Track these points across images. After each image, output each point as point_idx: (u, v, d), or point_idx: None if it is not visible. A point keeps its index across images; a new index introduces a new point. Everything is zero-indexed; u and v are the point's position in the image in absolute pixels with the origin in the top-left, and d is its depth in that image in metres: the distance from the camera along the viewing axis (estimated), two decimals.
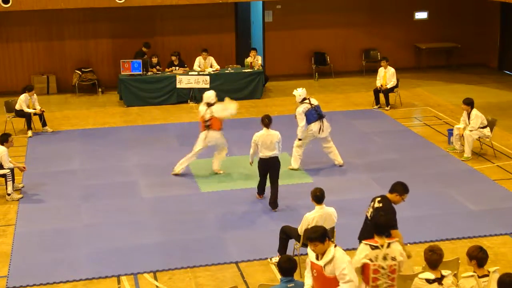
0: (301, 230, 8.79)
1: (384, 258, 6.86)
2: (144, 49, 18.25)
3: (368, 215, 8.02)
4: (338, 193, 11.32)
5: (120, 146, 14.29)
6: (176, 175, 12.49)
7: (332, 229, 8.83)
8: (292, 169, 12.60)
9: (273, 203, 10.97)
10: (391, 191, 8.05)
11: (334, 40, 20.37)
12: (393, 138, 14.64)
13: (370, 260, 6.84)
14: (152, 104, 17.37)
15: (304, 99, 12.52)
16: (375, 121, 15.85)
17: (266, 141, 10.72)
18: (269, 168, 10.87)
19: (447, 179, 12.23)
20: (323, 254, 6.57)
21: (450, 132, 13.90)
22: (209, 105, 12.33)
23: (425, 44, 20.81)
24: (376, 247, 6.87)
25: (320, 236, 6.58)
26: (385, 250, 6.87)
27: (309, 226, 8.62)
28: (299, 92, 12.61)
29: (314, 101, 12.61)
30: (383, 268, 6.85)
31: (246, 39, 20.61)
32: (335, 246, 6.63)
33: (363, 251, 6.89)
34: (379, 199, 8.00)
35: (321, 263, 6.55)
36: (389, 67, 16.83)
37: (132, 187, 12.06)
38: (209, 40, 19.23)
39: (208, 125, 12.31)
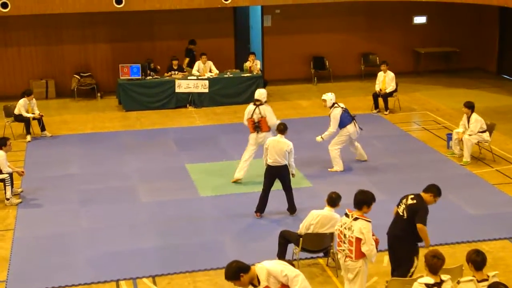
0: (303, 226, 8.81)
1: (348, 228, 7.64)
2: (190, 46, 18.43)
3: (400, 211, 8.11)
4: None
5: (119, 150, 14.28)
6: (236, 181, 12.24)
7: (331, 234, 8.84)
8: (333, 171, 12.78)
9: (291, 208, 10.89)
10: (426, 191, 8.23)
11: (333, 44, 20.40)
12: (392, 142, 14.65)
13: (340, 225, 7.78)
14: (151, 108, 17.37)
15: (334, 103, 12.73)
16: (374, 126, 15.85)
17: (276, 147, 10.60)
18: (276, 176, 10.75)
19: (446, 183, 12.15)
20: (255, 279, 6.12)
21: (449, 137, 13.91)
22: (259, 104, 12.08)
23: (424, 49, 20.84)
24: (347, 215, 7.73)
25: (233, 275, 6.02)
26: (350, 221, 7.63)
27: (312, 223, 8.69)
28: (330, 97, 12.81)
29: (342, 105, 12.86)
30: (345, 236, 7.68)
31: (245, 44, 20.63)
32: (255, 265, 6.25)
33: (342, 217, 7.87)
34: (412, 196, 8.16)
35: (263, 284, 6.13)
36: (388, 72, 16.85)
37: (131, 191, 12.05)
38: (208, 44, 19.26)
39: (257, 126, 12.15)
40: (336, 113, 12.71)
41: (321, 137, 12.77)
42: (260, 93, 12.31)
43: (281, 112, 16.64)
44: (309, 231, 8.76)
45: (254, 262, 9.32)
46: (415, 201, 8.11)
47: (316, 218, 8.65)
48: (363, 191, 7.79)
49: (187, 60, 18.65)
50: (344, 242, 7.67)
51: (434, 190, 8.20)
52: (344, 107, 12.87)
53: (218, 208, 11.27)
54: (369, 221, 7.66)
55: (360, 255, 7.64)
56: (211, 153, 14.00)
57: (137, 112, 17.19)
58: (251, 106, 12.26)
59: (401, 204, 8.23)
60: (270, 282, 6.09)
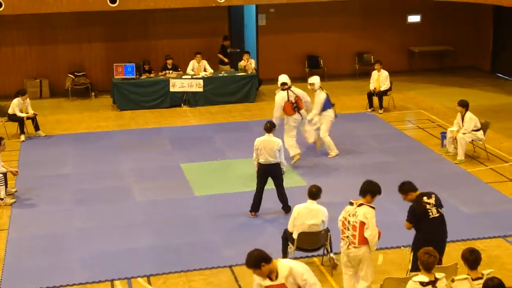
0: (290, 223, 8.85)
1: (353, 215, 7.81)
2: (224, 42, 18.65)
3: (435, 212, 7.99)
4: (331, 195, 11.30)
5: (113, 150, 14.26)
6: (296, 160, 12.84)
7: (326, 233, 8.85)
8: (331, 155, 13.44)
9: (285, 207, 10.91)
10: (428, 194, 8.14)
11: (327, 43, 20.41)
12: (387, 141, 14.66)
13: (345, 212, 7.93)
14: (145, 108, 17.34)
15: (320, 87, 13.37)
16: (369, 124, 15.87)
17: (266, 147, 10.61)
18: (269, 175, 10.77)
19: (440, 182, 12.24)
20: (274, 273, 6.08)
21: (443, 135, 13.92)
22: (287, 88, 12.80)
23: (418, 47, 20.86)
24: (352, 204, 7.91)
25: (255, 263, 5.99)
26: (355, 207, 7.82)
27: (294, 216, 8.73)
28: (318, 80, 13.46)
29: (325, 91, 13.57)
30: (349, 222, 7.82)
31: (239, 43, 20.61)
32: (278, 260, 6.25)
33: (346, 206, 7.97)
34: (426, 195, 8.07)
35: (281, 281, 6.07)
36: (382, 70, 16.86)
37: (126, 191, 12.04)
38: (202, 43, 19.24)
39: (296, 106, 12.80)
40: (322, 97, 13.31)
41: (311, 117, 13.30)
42: (285, 77, 13.00)
43: None
44: (297, 226, 8.77)
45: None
46: (434, 196, 8.08)
47: (296, 215, 8.74)
48: (370, 181, 8.01)
49: (221, 56, 18.74)
50: (348, 229, 7.82)
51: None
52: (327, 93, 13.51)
53: (213, 208, 11.26)
54: (373, 207, 7.84)
55: (363, 241, 7.75)
56: (205, 152, 13.99)
57: (132, 111, 17.16)
58: (282, 92, 12.84)
59: (429, 206, 8.02)
60: (288, 281, 6.08)
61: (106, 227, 10.61)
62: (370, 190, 7.91)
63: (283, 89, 12.84)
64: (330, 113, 13.45)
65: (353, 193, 11.53)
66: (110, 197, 11.76)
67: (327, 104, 13.47)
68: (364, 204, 7.84)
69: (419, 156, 13.69)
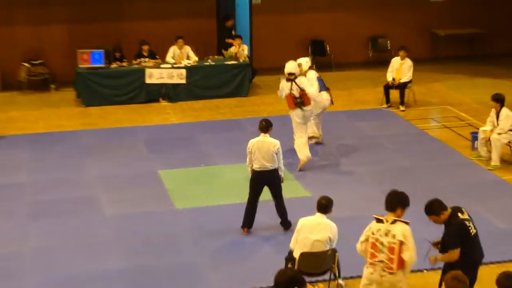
0: (293, 239, 8.81)
1: (386, 234, 7.63)
2: (227, 23, 18.78)
3: (472, 228, 7.98)
4: (340, 210, 11.27)
5: (77, 153, 14.23)
6: (303, 165, 13.08)
7: (333, 253, 8.82)
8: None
9: (285, 223, 10.90)
10: (459, 209, 8.13)
11: (335, 26, 20.41)
12: (406, 143, 14.67)
13: (372, 233, 7.70)
14: (116, 103, 17.31)
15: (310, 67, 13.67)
16: (385, 123, 15.87)
17: (261, 150, 10.59)
18: (264, 183, 10.76)
19: (470, 192, 12.24)
20: None
21: (475, 136, 13.94)
22: (293, 78, 12.97)
23: (444, 30, 20.89)
24: (380, 221, 7.69)
25: (286, 285, 6.07)
26: (387, 225, 7.65)
27: (296, 232, 8.71)
28: (307, 59, 13.90)
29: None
30: (382, 244, 7.61)
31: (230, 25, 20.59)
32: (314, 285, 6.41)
33: (370, 224, 7.78)
34: (459, 210, 8.07)
35: None
36: (407, 59, 16.78)
37: (92, 202, 12.01)
38: (185, 26, 19.21)
39: (299, 102, 12.95)
40: (312, 75, 13.61)
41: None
42: (292, 66, 13.13)
43: (274, 107, 16.63)
44: (299, 242, 8.75)
45: None
46: (464, 210, 8.12)
47: (300, 224, 8.71)
48: (396, 191, 7.97)
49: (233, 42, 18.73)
50: (382, 252, 7.66)
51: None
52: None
53: (197, 223, 11.23)
54: (408, 223, 7.76)
55: (401, 265, 7.67)
56: (188, 156, 13.97)
57: (100, 107, 17.13)
58: (284, 82, 13.08)
59: (467, 222, 8.03)
60: None
61: (68, 246, 10.56)
62: (401, 203, 7.86)
63: (287, 79, 13.01)
64: (323, 95, 13.83)
65: (365, 206, 11.59)
66: (74, 210, 11.72)
67: (322, 85, 13.79)
68: (398, 220, 7.74)
69: (445, 161, 13.70)
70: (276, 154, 10.62)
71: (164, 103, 17.43)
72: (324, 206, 8.82)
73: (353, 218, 10.85)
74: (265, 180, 10.71)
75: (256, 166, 10.65)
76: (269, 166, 10.60)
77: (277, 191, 10.82)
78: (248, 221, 10.84)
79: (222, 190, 12.44)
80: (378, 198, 11.87)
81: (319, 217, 8.82)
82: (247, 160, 10.78)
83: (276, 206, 10.90)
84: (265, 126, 10.76)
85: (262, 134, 10.73)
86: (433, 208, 8.02)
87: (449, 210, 8.04)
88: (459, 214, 8.02)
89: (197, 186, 12.68)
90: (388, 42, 20.48)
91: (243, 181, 12.10)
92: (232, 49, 18.16)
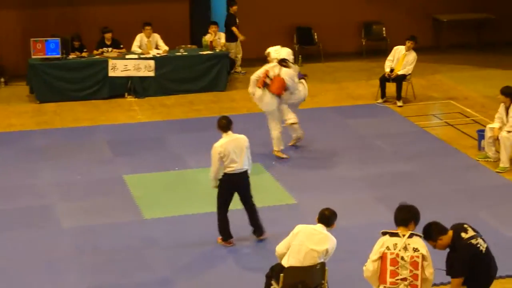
0: (284, 243, 8.81)
1: (405, 248, 7.60)
2: (232, 8, 18.99)
3: (482, 244, 7.98)
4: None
5: (30, 157, 14.18)
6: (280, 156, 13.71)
7: (323, 267, 8.85)
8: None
9: (257, 230, 10.99)
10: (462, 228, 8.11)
11: (323, 11, 20.47)
12: (404, 143, 14.75)
13: (388, 248, 7.64)
14: (75, 99, 17.28)
15: (284, 61, 13.80)
16: (380, 121, 15.95)
17: (235, 150, 10.63)
18: (235, 187, 10.82)
19: (477, 197, 12.32)
20: None
21: (481, 134, 14.03)
22: (284, 64, 13.56)
23: (447, 15, 21.00)
24: (395, 234, 7.68)
25: None
26: (406, 239, 7.65)
27: (290, 236, 8.73)
28: (275, 48, 14.28)
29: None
30: (403, 259, 7.57)
31: (205, 10, 20.58)
32: None
33: (381, 239, 7.74)
34: (468, 228, 8.03)
35: None
36: (412, 51, 16.82)
37: (47, 213, 11.97)
38: (153, 11, 19.20)
39: (266, 83, 13.50)
40: (293, 72, 13.83)
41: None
42: (289, 52, 13.83)
43: (254, 103, 16.63)
44: (293, 247, 8.76)
45: None
46: (468, 226, 8.12)
47: (297, 229, 8.73)
48: (408, 205, 7.98)
49: (236, 30, 18.94)
50: (404, 268, 7.60)
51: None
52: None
53: (168, 235, 11.24)
54: (422, 237, 7.83)
55: (422, 281, 7.68)
56: (158, 159, 13.96)
57: (56, 104, 17.09)
58: (271, 64, 13.72)
59: (475, 239, 8.03)
60: None
61: (20, 265, 10.50)
62: (415, 217, 7.84)
63: (281, 61, 13.73)
64: (301, 88, 14.10)
65: (357, 214, 11.65)
66: (26, 223, 11.67)
67: (299, 77, 14.08)
68: (414, 234, 7.76)
69: (448, 162, 13.80)
70: (247, 149, 10.74)
71: (130, 99, 17.42)
72: (327, 217, 8.82)
73: (344, 228, 10.86)
74: (238, 183, 10.77)
75: (230, 170, 10.65)
76: (243, 166, 10.68)
77: (249, 195, 10.92)
78: (225, 231, 10.89)
79: (197, 197, 12.44)
80: (372, 206, 12.01)
81: (319, 227, 8.86)
82: (214, 168, 10.71)
83: (249, 212, 10.97)
84: (227, 124, 10.77)
85: (225, 134, 10.76)
86: (429, 233, 7.94)
87: (450, 233, 7.98)
88: (463, 235, 7.96)
89: (168, 193, 12.69)
90: (384, 29, 20.58)
91: (218, 192, 12.18)
92: (207, 37, 18.17)
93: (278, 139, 13.80)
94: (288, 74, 13.58)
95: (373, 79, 17.46)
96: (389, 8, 20.74)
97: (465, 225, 8.07)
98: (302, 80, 14.17)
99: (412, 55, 16.86)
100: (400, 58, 16.87)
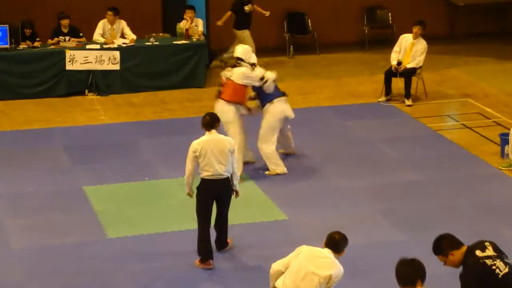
0: (284, 261, 8.82)
1: None
2: None
3: (501, 266, 7.95)
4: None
5: None
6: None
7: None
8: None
9: (219, 241, 11.12)
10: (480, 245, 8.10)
11: None
12: (414, 148, 14.80)
13: None
14: (26, 96, 17.28)
15: (239, 60, 13.51)
16: (385, 122, 16.00)
17: (213, 151, 10.70)
18: (215, 196, 10.90)
19: (499, 212, 12.35)
20: None
21: (504, 139, 14.08)
22: (237, 64, 13.33)
23: None
24: None
25: None
26: None
27: (293, 254, 8.75)
28: (242, 49, 13.73)
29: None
30: None
31: None
32: None
33: None
34: (481, 246, 8.02)
35: None
36: (420, 39, 16.88)
37: None
38: None
39: (219, 91, 13.56)
40: (264, 74, 13.62)
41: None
42: (245, 50, 13.60)
43: None
44: (292, 268, 8.79)
45: None
46: (490, 244, 8.10)
47: (301, 249, 8.73)
48: (409, 261, 7.63)
49: (228, 14, 18.98)
50: None
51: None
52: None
53: (135, 256, 11.24)
54: None
55: None
56: (125, 168, 13.96)
57: (4, 102, 17.08)
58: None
59: (492, 260, 8.02)
60: None
61: None
62: (420, 275, 7.51)
63: (237, 60, 13.49)
64: (277, 106, 13.58)
65: (359, 231, 11.67)
66: None
67: (275, 91, 13.68)
68: None
69: (466, 172, 13.85)
70: (232, 154, 10.78)
71: (91, 97, 17.41)
72: (336, 242, 8.77)
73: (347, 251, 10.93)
74: (217, 192, 10.85)
75: (206, 174, 10.72)
76: (223, 172, 10.72)
77: (226, 207, 11.02)
78: (209, 250, 10.92)
79: (170, 212, 12.47)
80: (376, 222, 12.04)
81: (327, 252, 8.86)
82: (188, 170, 10.85)
83: (218, 223, 11.08)
84: (211, 122, 10.89)
85: (208, 132, 10.86)
86: (440, 246, 7.94)
87: (464, 248, 8.01)
88: (477, 252, 7.96)
89: (135, 207, 12.69)
90: (390, 14, 20.65)
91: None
92: (182, 24, 18.17)
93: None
94: (239, 74, 13.35)
95: (377, 74, 17.50)
96: None
97: (487, 243, 8.06)
98: (280, 99, 13.78)
99: (422, 44, 16.90)
100: (408, 48, 16.89)
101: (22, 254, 11.36)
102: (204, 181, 10.77)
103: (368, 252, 10.92)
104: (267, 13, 19.19)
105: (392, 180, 13.53)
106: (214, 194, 10.85)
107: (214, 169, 10.66)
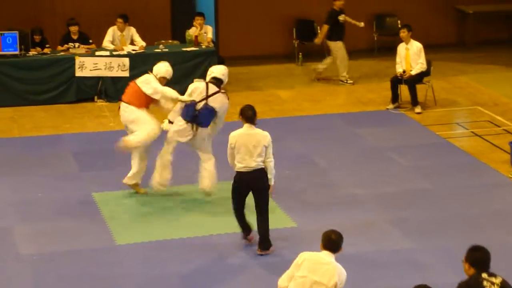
0: (287, 275, 8.80)
1: None
2: (337, 2, 18.51)
3: None
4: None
5: None
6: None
7: None
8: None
9: (264, 243, 11.20)
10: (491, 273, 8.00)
11: (328, 1, 20.48)
12: (423, 156, 14.78)
13: None
14: (35, 103, 17.31)
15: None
16: (394, 130, 15.99)
17: (248, 145, 10.84)
18: (250, 187, 11.02)
19: (508, 220, 12.31)
20: None
21: None
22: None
23: (473, 7, 21.05)
24: (491, 275, 7.44)
25: None
26: (496, 280, 7.50)
27: (294, 266, 8.73)
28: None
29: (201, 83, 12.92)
30: None
31: (189, 0, 20.65)
32: None
33: None
34: (492, 273, 7.93)
35: None
36: (412, 42, 16.93)
37: (3, 237, 11.96)
38: (129, 1, 19.22)
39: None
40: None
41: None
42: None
43: None
44: (296, 280, 8.76)
45: None
46: (501, 279, 7.99)
47: (302, 257, 8.70)
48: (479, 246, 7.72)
49: (325, 28, 18.61)
50: None
51: None
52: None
53: (144, 264, 11.24)
54: None
55: None
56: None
57: (13, 108, 17.11)
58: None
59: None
60: None
61: None
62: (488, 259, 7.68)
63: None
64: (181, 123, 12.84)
65: (367, 239, 11.64)
66: None
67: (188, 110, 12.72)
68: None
69: (475, 180, 13.82)
70: (267, 148, 10.92)
71: (100, 103, 17.43)
72: (334, 242, 8.74)
73: (351, 256, 10.90)
74: (248, 182, 10.99)
75: (239, 166, 10.93)
76: (254, 165, 10.87)
77: (263, 200, 11.09)
78: (245, 226, 11.29)
79: (180, 219, 12.48)
80: (385, 230, 12.00)
81: (326, 255, 8.80)
82: (230, 156, 11.02)
83: (259, 221, 11.15)
84: (252, 115, 11.02)
85: (247, 125, 10.97)
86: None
87: (472, 271, 7.89)
88: (484, 276, 7.86)
89: (144, 213, 12.71)
90: (399, 21, 20.60)
91: (212, 206, 12.18)
92: (192, 31, 18.18)
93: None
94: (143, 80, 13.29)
95: (386, 81, 17.47)
96: None
97: (499, 277, 7.91)
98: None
99: (415, 46, 16.92)
100: (405, 55, 16.94)
101: (30, 260, 11.36)
102: (237, 174, 11.03)
103: (376, 260, 10.90)
104: (362, 24, 19.02)
105: (401, 188, 13.51)
106: (246, 186, 11.04)
107: (246, 162, 10.87)
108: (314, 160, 14.48)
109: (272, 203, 12.75)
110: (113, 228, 12.21)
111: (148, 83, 13.13)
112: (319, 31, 20.33)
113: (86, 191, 13.41)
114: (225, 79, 12.86)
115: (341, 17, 18.58)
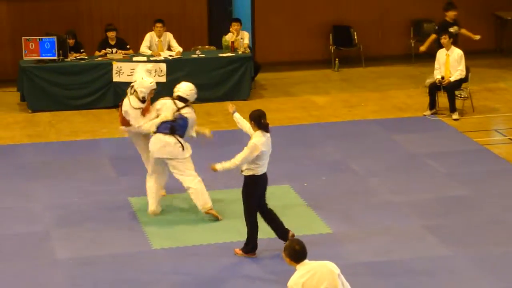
0: (295, 280, 8.76)
1: None
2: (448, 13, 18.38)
3: None
4: (369, 252, 11.30)
5: (20, 175, 14.26)
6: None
7: None
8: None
9: (283, 233, 11.34)
10: None
11: (365, 6, 20.47)
12: (460, 163, 14.70)
13: None
14: (73, 108, 17.39)
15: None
16: (431, 136, 15.91)
17: (269, 150, 11.20)
18: (265, 189, 11.36)
19: None
20: None
21: None
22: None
23: None
24: None
25: None
26: None
27: (303, 274, 8.70)
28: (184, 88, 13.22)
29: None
30: None
31: (225, 6, 20.67)
32: None
33: None
34: None
35: None
36: (454, 48, 16.86)
37: (40, 241, 12.01)
38: (166, 6, 19.27)
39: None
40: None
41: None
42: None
43: (283, 114, 16.71)
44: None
45: None
46: None
47: (308, 269, 8.66)
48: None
49: (432, 37, 18.43)
50: None
51: None
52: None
53: (180, 268, 11.25)
54: None
55: None
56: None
57: (51, 113, 17.19)
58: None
59: None
60: None
61: None
62: None
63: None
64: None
65: (403, 246, 11.57)
66: (15, 252, 11.71)
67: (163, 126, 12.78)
68: None
69: None
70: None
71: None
72: (297, 253, 8.66)
73: (386, 263, 10.84)
74: (265, 185, 11.31)
75: (262, 170, 11.16)
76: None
77: (264, 196, 11.43)
78: (280, 227, 11.34)
79: (215, 224, 12.46)
80: (421, 237, 11.92)
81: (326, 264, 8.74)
82: (248, 160, 11.06)
83: (271, 216, 11.38)
84: (267, 125, 11.35)
85: (266, 133, 11.23)
86: None
87: None
88: None
89: (180, 218, 12.73)
90: (436, 27, 20.51)
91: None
92: (228, 37, 18.20)
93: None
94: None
95: (424, 87, 17.40)
96: (442, 3, 20.67)
97: None
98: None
99: (456, 53, 16.86)
100: (445, 61, 16.86)
101: (67, 264, 11.39)
102: (258, 177, 11.16)
103: (412, 267, 10.82)
104: (477, 37, 18.82)
105: (438, 194, 13.43)
106: (264, 187, 11.32)
107: (266, 166, 11.17)
108: (350, 166, 14.43)
109: (307, 209, 12.76)
110: (149, 232, 12.23)
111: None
112: (355, 37, 20.32)
113: (123, 195, 13.46)
114: (191, 99, 13.04)
115: (452, 29, 18.34)
